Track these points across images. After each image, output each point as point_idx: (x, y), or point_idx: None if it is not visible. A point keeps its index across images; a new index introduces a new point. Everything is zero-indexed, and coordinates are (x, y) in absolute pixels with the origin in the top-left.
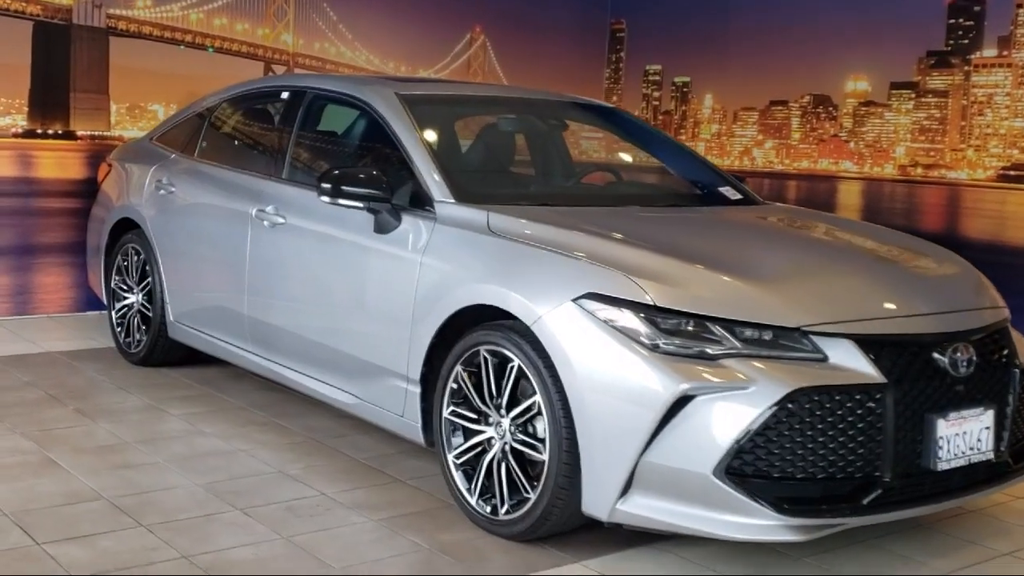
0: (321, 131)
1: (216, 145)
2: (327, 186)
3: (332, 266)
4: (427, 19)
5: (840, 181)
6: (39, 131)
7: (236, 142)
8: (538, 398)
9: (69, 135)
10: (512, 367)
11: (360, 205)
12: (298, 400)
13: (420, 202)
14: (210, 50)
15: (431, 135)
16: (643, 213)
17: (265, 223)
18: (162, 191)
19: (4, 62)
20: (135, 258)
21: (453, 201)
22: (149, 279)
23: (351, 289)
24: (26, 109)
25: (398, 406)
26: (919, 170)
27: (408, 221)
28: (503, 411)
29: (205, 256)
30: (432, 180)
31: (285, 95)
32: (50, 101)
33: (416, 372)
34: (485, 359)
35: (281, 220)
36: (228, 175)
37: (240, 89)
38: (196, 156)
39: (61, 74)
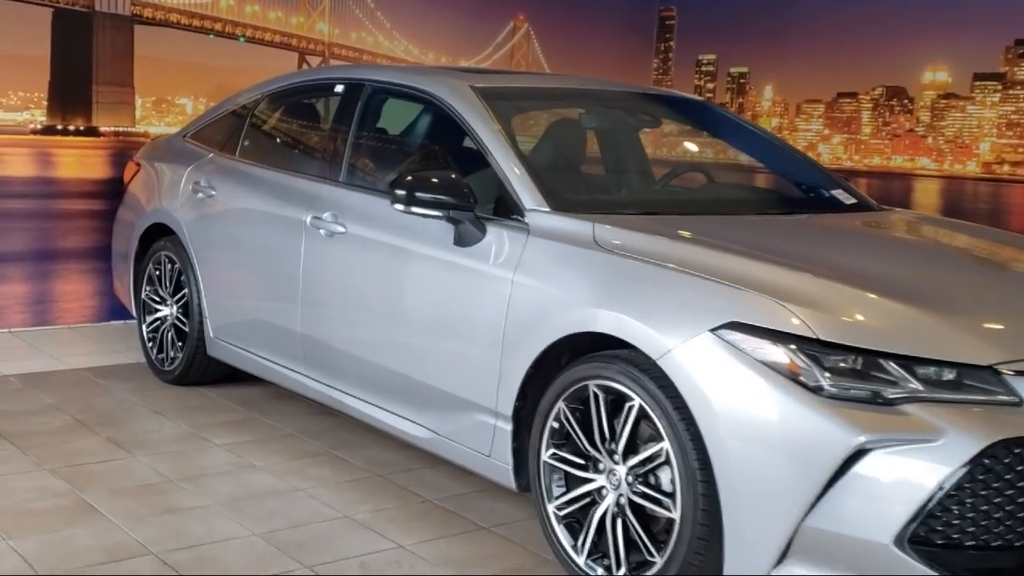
0: (383, 129)
1: (260, 144)
2: (401, 193)
3: (404, 282)
4: (468, 7)
5: (916, 179)
6: (59, 127)
7: (283, 141)
8: (665, 445)
9: (91, 131)
10: (631, 407)
11: (439, 214)
12: (351, 426)
13: (507, 211)
14: (241, 40)
15: (516, 134)
16: (763, 222)
17: (322, 232)
18: (200, 194)
19: (21, 53)
20: (169, 267)
21: (548, 210)
22: (185, 290)
23: (426, 309)
24: (45, 103)
25: (484, 444)
26: (1005, 167)
27: (494, 233)
28: (618, 457)
29: (250, 266)
30: (522, 186)
31: (339, 88)
32: (71, 95)
33: (507, 407)
34: (595, 396)
35: (341, 229)
36: (276, 177)
37: (286, 82)
38: (237, 156)
39: (82, 66)
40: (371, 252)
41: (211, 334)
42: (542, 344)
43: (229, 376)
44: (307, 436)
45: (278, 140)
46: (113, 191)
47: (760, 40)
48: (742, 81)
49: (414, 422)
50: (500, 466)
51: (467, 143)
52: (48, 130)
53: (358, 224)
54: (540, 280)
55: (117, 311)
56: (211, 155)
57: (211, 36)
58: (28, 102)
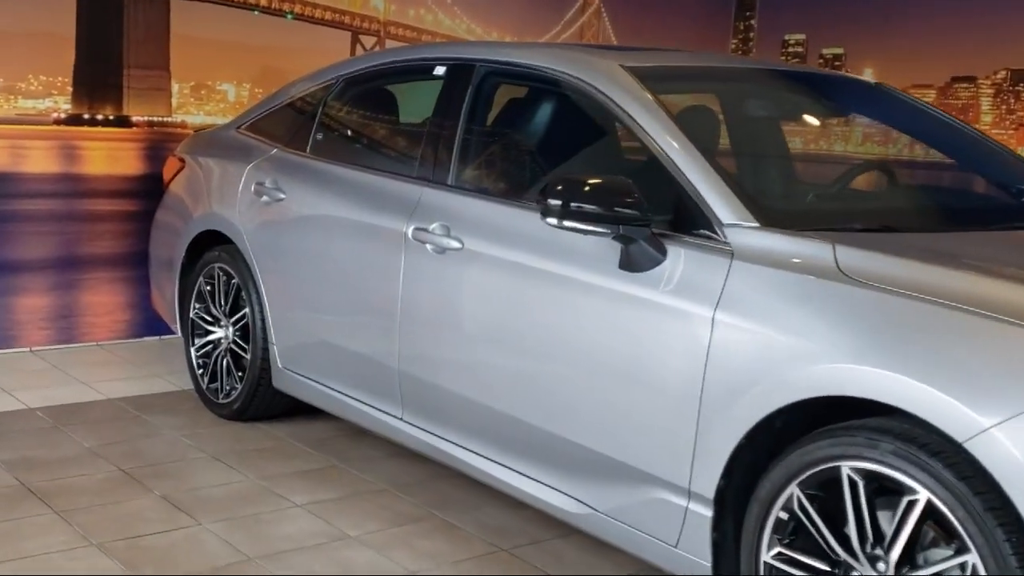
0: (501, 120)
1: (338, 138)
2: (555, 203)
3: (547, 315)
4: None
5: None
6: (86, 116)
7: (368, 134)
8: (972, 559)
9: (122, 121)
10: (912, 502)
11: (604, 230)
12: (449, 475)
13: (690, 225)
14: (289, 16)
15: (693, 127)
16: (1011, 238)
17: (428, 247)
18: (264, 197)
19: (43, 30)
20: (224, 281)
21: (755, 225)
22: (245, 310)
23: (582, 351)
24: (70, 89)
25: (668, 531)
26: None
27: (678, 255)
28: (886, 566)
29: (331, 286)
30: (716, 193)
31: (441, 71)
32: (99, 79)
33: (707, 486)
34: (851, 482)
35: (455, 244)
36: (362, 179)
37: (369, 63)
38: (309, 152)
39: (112, 46)
40: (499, 274)
41: (279, 363)
42: (765, 408)
43: (294, 408)
44: (402, 491)
45: (361, 134)
46: (147, 190)
47: (858, 17)
48: (837, 64)
49: (561, 491)
50: (692, 560)
51: (612, 137)
52: (73, 120)
53: (479, 238)
54: (757, 321)
55: (153, 325)
56: (274, 151)
57: (256, 12)
58: (51, 88)
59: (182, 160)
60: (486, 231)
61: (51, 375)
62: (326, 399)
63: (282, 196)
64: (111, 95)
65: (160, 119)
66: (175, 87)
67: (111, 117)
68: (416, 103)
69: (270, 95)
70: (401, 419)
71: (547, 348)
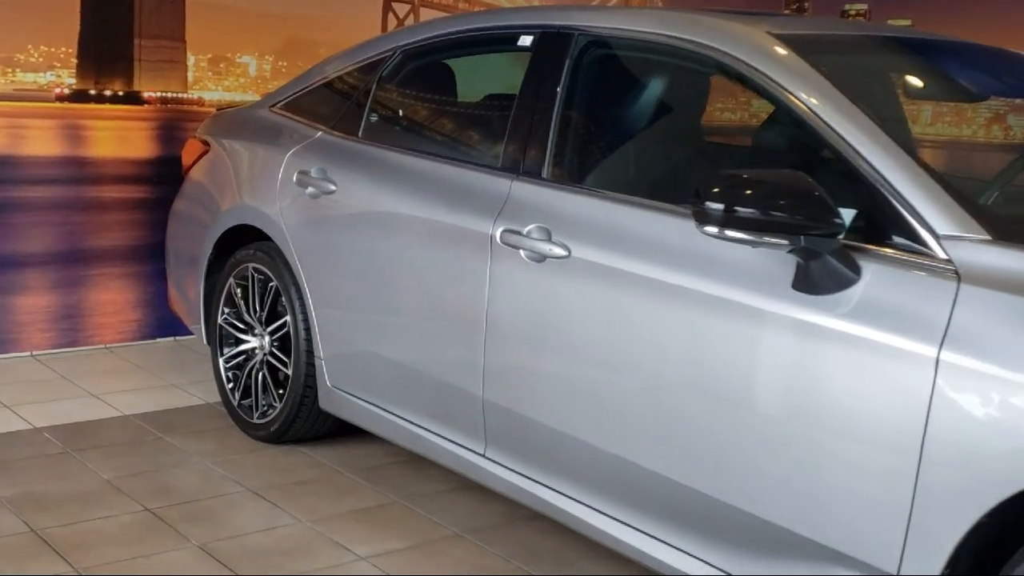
0: (614, 101)
1: (398, 121)
2: (716, 206)
3: (690, 347)
4: None
5: None
6: (92, 92)
7: (435, 117)
8: None
9: (132, 98)
10: None
11: (781, 241)
12: (534, 520)
13: (888, 237)
14: None
15: (879, 113)
16: None
17: (523, 253)
18: (310, 188)
19: None
20: (259, 284)
21: (986, 238)
22: (286, 318)
23: (739, 393)
24: (75, 62)
25: None
26: None
27: (879, 274)
28: None
29: (396, 294)
30: (927, 197)
31: (527, 41)
32: (107, 51)
33: (930, 570)
34: None
35: (560, 252)
36: (434, 169)
37: (433, 32)
38: (361, 136)
39: (122, 14)
40: (622, 290)
41: (327, 381)
42: (1019, 483)
43: (339, 428)
44: (481, 538)
45: (425, 115)
46: (161, 174)
47: None
48: None
49: (706, 563)
50: None
51: (774, 125)
52: (78, 96)
53: (591, 245)
54: (999, 364)
55: (166, 325)
56: (318, 134)
57: None
58: (53, 59)
59: (205, 143)
60: (602, 237)
61: (57, 386)
62: (385, 426)
63: (332, 188)
64: (120, 68)
65: (174, 95)
66: (191, 60)
67: (120, 93)
68: (476, 79)
69: (310, 69)
70: (483, 455)
71: (687, 386)
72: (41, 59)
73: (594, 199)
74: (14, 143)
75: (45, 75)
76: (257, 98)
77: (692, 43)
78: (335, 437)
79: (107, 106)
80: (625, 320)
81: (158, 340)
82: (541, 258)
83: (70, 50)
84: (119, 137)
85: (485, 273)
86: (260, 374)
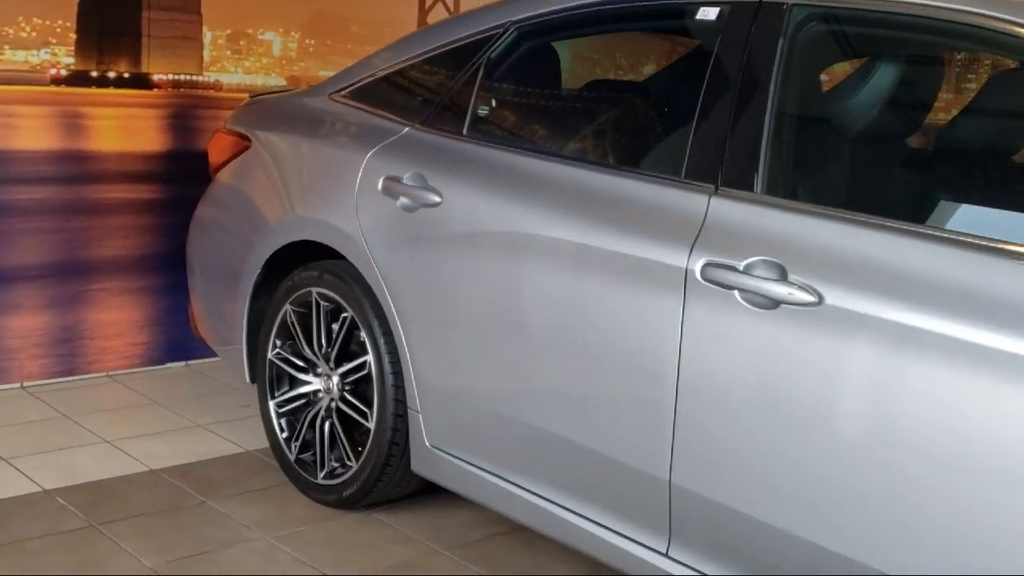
0: (853, 91)
1: (518, 115)
2: None
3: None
4: None
5: None
6: (94, 74)
7: (572, 110)
8: None
9: (140, 80)
10: None
11: None
12: None
13: None
14: None
15: None
16: None
17: (738, 295)
18: (404, 199)
19: None
20: (327, 314)
21: None
22: (366, 358)
23: None
24: (73, 37)
25: None
26: None
27: None
28: None
29: (536, 341)
30: None
31: (710, 14)
32: (111, 26)
33: None
34: None
35: (807, 298)
36: (585, 179)
37: (562, 5)
38: (467, 134)
39: None
40: (908, 355)
41: (426, 440)
42: None
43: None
44: None
45: (558, 108)
46: (173, 171)
47: None
48: None
49: None
50: None
51: None
52: (77, 78)
53: (858, 291)
54: None
55: (176, 347)
56: (405, 130)
57: None
58: (48, 35)
59: (243, 137)
60: (874, 278)
61: (59, 429)
62: (507, 500)
63: (436, 199)
64: (126, 46)
65: (188, 77)
66: (207, 36)
67: (126, 75)
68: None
69: (384, 48)
70: (665, 555)
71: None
72: (34, 34)
73: (854, 226)
74: (1, 135)
75: (38, 53)
76: (282, 82)
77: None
78: (414, 499)
79: (111, 90)
80: (912, 395)
81: (168, 365)
82: (772, 304)
83: (68, 24)
84: (124, 127)
85: (676, 319)
86: (327, 424)
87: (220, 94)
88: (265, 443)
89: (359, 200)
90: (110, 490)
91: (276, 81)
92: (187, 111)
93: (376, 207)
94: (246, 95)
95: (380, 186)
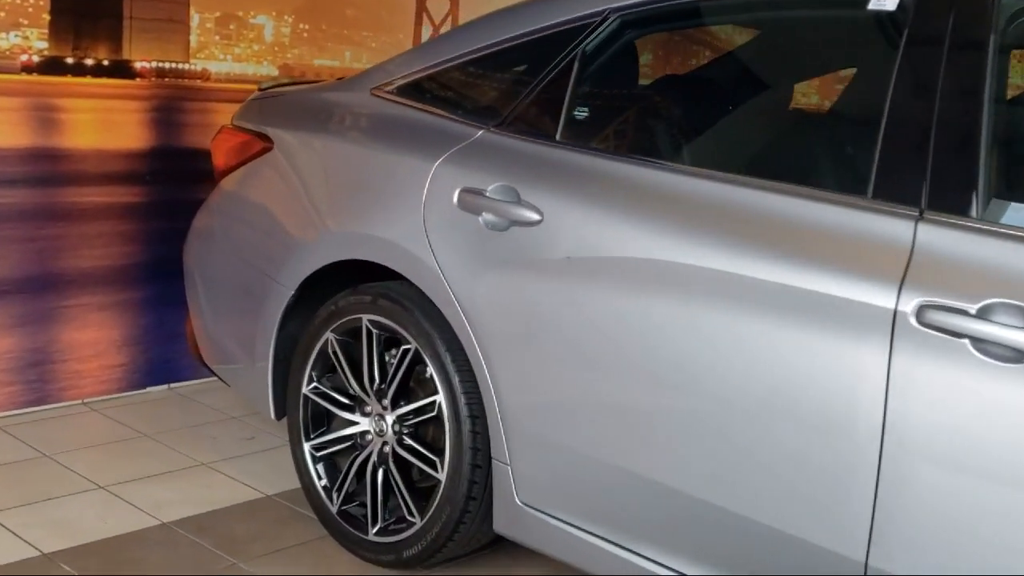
0: None
1: (630, 118)
2: None
3: None
4: None
5: None
6: (69, 60)
7: (713, 117)
8: None
9: (121, 68)
10: None
11: None
12: None
13: None
14: None
15: None
16: None
17: (969, 346)
18: (488, 215)
19: None
20: (381, 343)
21: None
22: (437, 398)
23: None
24: (46, 19)
25: None
26: None
27: None
28: None
29: (675, 386)
30: None
31: (889, 4)
32: (88, 7)
33: None
34: None
35: None
36: (733, 196)
37: None
38: (561, 139)
39: None
40: None
41: (517, 497)
42: None
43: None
44: None
45: (695, 112)
46: (157, 171)
47: None
48: None
49: None
50: None
51: None
52: (51, 66)
53: None
54: None
55: (157, 368)
56: (479, 134)
57: None
58: (18, 15)
59: (260, 137)
60: None
61: (42, 471)
62: (626, 570)
63: (535, 217)
64: (106, 29)
65: (174, 65)
66: (194, 19)
67: (105, 62)
68: None
69: (437, 39)
70: None
71: None
72: (2, 14)
73: None
74: None
75: (7, 36)
76: (274, 71)
77: None
78: (477, 552)
79: (88, 80)
80: None
81: (148, 390)
82: (1018, 356)
83: (41, 3)
84: (103, 122)
85: (880, 370)
86: (381, 472)
87: (208, 85)
88: (285, 486)
89: (427, 215)
90: (121, 551)
91: (268, 70)
92: (172, 103)
93: (451, 223)
94: (237, 86)
95: (455, 199)
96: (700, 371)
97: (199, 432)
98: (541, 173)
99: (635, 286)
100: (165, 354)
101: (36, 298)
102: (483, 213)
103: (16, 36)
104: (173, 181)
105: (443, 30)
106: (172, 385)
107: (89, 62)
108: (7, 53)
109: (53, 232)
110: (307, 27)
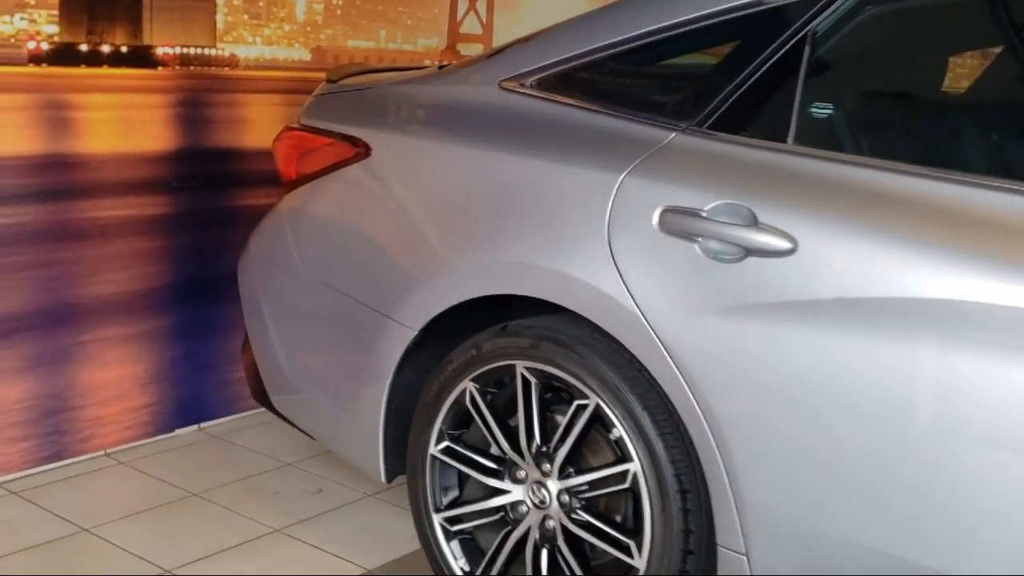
0: None
1: (906, 119)
2: None
3: None
4: None
5: None
6: (82, 48)
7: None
8: None
9: (140, 56)
10: None
11: None
12: None
13: None
14: None
15: None
16: None
17: None
18: (709, 241)
19: None
20: (532, 396)
21: None
22: (632, 466)
23: None
24: (57, 2)
25: None
26: None
27: None
28: None
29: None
30: None
31: None
32: None
33: None
34: None
35: None
36: None
37: None
38: (795, 143)
39: None
40: None
41: None
42: None
43: None
44: None
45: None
46: (184, 176)
47: None
48: None
49: None
50: None
51: None
52: (63, 54)
53: None
54: None
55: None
56: (671, 136)
57: None
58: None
59: (351, 140)
60: None
61: (85, 552)
62: None
63: (785, 245)
64: (122, 13)
65: (199, 51)
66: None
67: (123, 49)
68: None
69: (593, 15)
70: None
71: None
72: None
73: None
74: None
75: (12, 20)
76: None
77: None
78: None
79: (104, 70)
80: None
81: (176, 433)
82: None
83: None
84: (122, 120)
85: None
86: (544, 553)
87: (236, 72)
88: (385, 555)
89: (614, 240)
90: None
91: (300, 54)
92: (200, 96)
93: (651, 251)
94: (268, 73)
95: (655, 220)
96: None
97: (255, 486)
98: (782, 188)
99: (942, 337)
100: (194, 390)
101: (49, 335)
102: (701, 238)
103: (22, 20)
104: (203, 188)
105: (478, 6)
106: (202, 425)
107: (106, 49)
108: (13, 41)
109: (67, 255)
110: (340, 3)
